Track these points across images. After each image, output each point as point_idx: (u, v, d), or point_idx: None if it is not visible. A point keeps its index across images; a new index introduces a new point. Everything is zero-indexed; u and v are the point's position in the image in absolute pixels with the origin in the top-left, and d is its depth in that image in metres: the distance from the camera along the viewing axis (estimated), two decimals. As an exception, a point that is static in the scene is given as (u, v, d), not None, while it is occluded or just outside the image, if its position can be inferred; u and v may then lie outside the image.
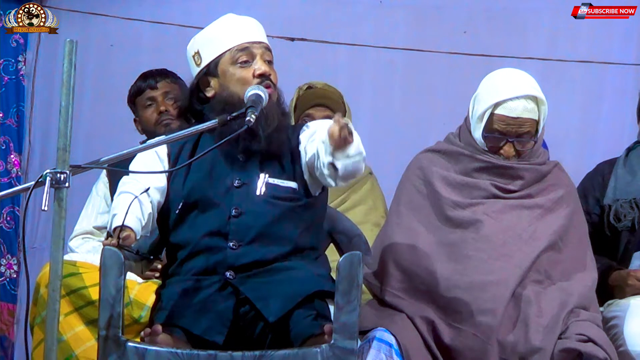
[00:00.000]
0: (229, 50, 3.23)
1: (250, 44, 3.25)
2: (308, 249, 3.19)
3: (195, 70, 3.28)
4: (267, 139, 3.14)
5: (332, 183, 3.09)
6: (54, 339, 2.70)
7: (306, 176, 3.19)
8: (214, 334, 3.01)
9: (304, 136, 3.21)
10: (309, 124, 3.28)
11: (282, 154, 3.21)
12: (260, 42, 3.27)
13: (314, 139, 3.14)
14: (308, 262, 3.16)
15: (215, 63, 3.24)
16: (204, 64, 3.26)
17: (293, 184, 3.18)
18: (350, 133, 2.92)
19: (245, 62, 3.22)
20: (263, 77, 3.20)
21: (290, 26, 4.96)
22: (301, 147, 3.20)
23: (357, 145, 2.97)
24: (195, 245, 3.13)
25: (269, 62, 3.25)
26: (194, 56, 3.28)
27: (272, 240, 3.12)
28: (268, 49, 3.28)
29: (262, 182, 3.14)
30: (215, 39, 3.26)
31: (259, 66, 3.22)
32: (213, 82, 3.25)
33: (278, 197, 3.15)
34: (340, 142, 2.91)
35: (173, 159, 3.23)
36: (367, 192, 4.24)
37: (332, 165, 2.99)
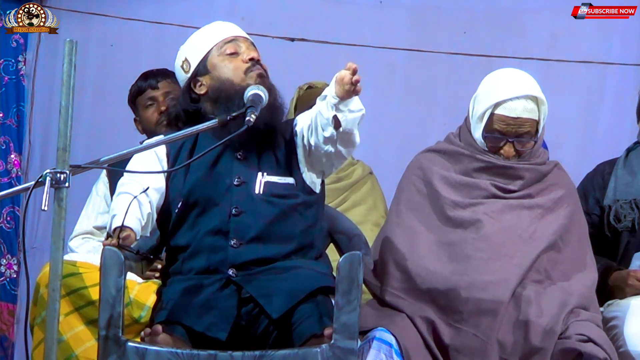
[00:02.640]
0: (216, 44, 3.25)
1: (235, 37, 3.28)
2: (309, 248, 3.19)
3: (185, 77, 3.29)
4: (268, 114, 3.13)
5: (331, 148, 3.09)
6: (54, 339, 2.70)
7: (303, 167, 3.19)
8: (217, 331, 3.02)
9: (297, 125, 3.21)
10: (298, 116, 3.28)
11: (278, 148, 3.21)
12: (245, 37, 3.29)
13: (306, 118, 3.15)
14: (310, 261, 3.17)
15: (204, 61, 3.25)
16: (193, 67, 3.26)
17: (290, 180, 3.19)
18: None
19: (233, 53, 3.24)
20: (253, 62, 3.21)
21: (290, 26, 4.96)
22: (297, 139, 3.20)
23: (358, 100, 3.00)
24: (196, 244, 3.13)
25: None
26: (182, 65, 3.29)
27: (272, 239, 3.13)
28: (253, 45, 3.29)
29: (261, 180, 3.15)
30: (201, 40, 3.29)
31: (248, 52, 3.23)
32: (204, 79, 3.25)
33: (276, 194, 3.15)
34: (350, 87, 2.92)
35: (172, 158, 3.23)
36: (367, 192, 4.24)
37: (334, 123, 2.99)
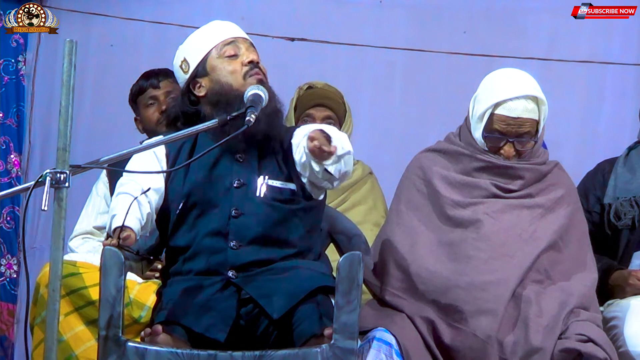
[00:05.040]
0: (215, 46, 3.25)
1: (235, 39, 3.27)
2: (307, 252, 3.19)
3: (184, 78, 3.28)
4: (267, 119, 3.13)
5: (331, 186, 3.13)
6: (54, 339, 2.71)
7: (304, 179, 3.19)
8: (216, 332, 3.01)
9: (294, 142, 3.21)
10: (296, 130, 3.26)
11: (278, 154, 3.21)
12: (245, 38, 3.29)
13: (300, 148, 3.15)
14: (309, 262, 3.17)
15: (203, 63, 3.25)
16: (192, 68, 3.26)
17: (292, 186, 3.18)
18: (329, 140, 2.92)
19: (233, 55, 3.23)
20: (252, 65, 3.21)
21: (290, 26, 4.96)
22: (294, 153, 3.20)
23: (341, 146, 2.99)
24: (196, 245, 3.13)
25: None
26: (181, 66, 3.28)
27: (272, 242, 3.13)
28: (253, 45, 3.29)
29: (262, 183, 3.15)
30: (200, 41, 3.28)
31: (248, 55, 3.23)
32: (203, 81, 3.24)
33: (279, 199, 3.15)
34: (323, 156, 2.93)
35: (171, 159, 3.23)
36: (367, 192, 4.23)
37: (326, 171, 3.01)
